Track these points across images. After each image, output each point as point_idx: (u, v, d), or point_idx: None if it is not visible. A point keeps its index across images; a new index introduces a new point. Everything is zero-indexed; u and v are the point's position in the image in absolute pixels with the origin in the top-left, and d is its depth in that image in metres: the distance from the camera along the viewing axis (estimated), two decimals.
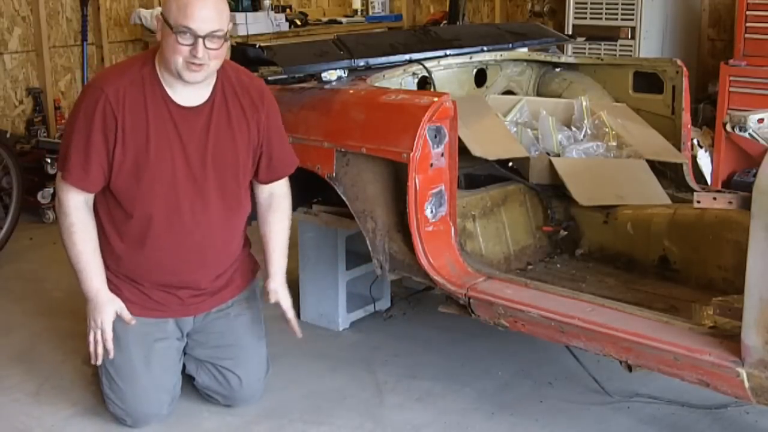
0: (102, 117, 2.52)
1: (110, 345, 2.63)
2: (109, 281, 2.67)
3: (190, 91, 2.60)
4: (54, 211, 4.79)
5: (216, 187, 2.67)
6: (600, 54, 5.29)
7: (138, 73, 2.58)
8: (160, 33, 2.53)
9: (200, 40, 2.46)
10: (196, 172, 2.62)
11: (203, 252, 2.70)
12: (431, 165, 2.73)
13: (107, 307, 2.63)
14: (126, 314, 2.65)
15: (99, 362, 2.65)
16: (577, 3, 5.60)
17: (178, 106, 2.60)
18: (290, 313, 2.85)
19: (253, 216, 2.88)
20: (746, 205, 2.18)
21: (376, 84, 3.10)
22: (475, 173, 3.38)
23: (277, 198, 2.86)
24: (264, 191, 2.85)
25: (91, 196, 2.62)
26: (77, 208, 2.60)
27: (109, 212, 2.65)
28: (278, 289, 2.84)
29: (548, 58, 3.82)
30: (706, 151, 4.63)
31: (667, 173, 3.44)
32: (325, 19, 6.90)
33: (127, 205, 2.61)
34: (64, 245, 2.64)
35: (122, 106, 2.53)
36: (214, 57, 2.51)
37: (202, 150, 2.62)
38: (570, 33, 5.24)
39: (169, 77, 2.57)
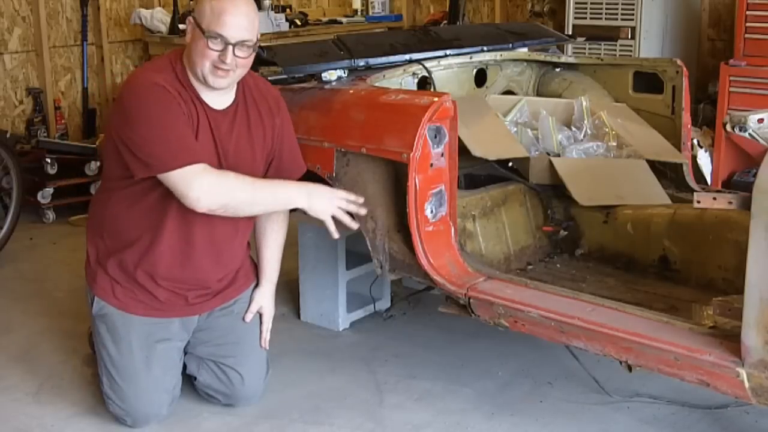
0: (175, 104, 2.50)
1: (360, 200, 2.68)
2: (119, 283, 2.69)
3: (216, 95, 2.63)
4: (53, 211, 4.82)
5: None
6: (600, 54, 5.28)
7: (172, 72, 2.58)
8: (191, 35, 2.54)
9: (230, 47, 2.51)
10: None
11: (220, 249, 2.72)
12: (431, 165, 2.73)
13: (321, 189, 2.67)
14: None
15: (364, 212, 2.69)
16: (577, 3, 5.59)
17: (210, 107, 2.62)
18: (266, 325, 2.89)
19: None
20: (746, 205, 2.18)
21: (376, 84, 3.10)
22: (475, 173, 3.38)
23: None
24: None
25: None
26: (205, 171, 2.48)
27: (135, 205, 2.63)
28: (263, 300, 2.89)
29: (548, 58, 3.82)
30: (706, 151, 4.63)
31: (667, 173, 3.44)
32: (325, 19, 6.89)
33: (163, 197, 2.57)
34: (248, 202, 2.55)
35: (181, 100, 2.54)
36: (241, 65, 2.56)
37: (225, 152, 2.65)
38: (570, 33, 5.23)
39: (195, 80, 2.59)
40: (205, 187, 2.47)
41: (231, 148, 2.66)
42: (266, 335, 2.89)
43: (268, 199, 2.62)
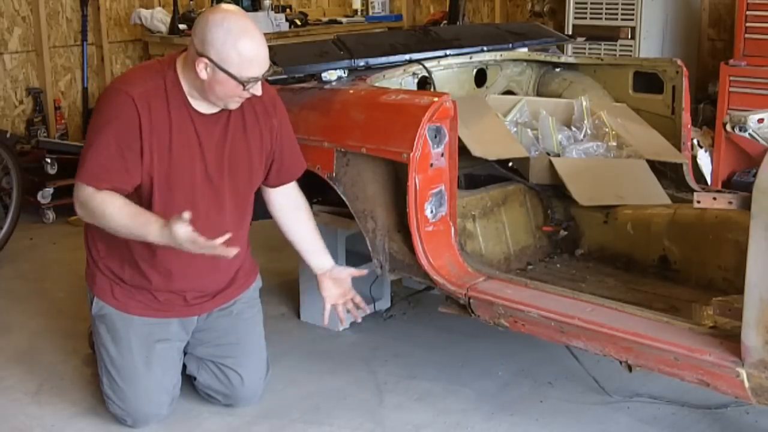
0: (128, 119, 2.51)
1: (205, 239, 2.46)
2: (118, 284, 2.69)
3: (209, 103, 2.62)
4: (53, 211, 4.82)
5: (230, 193, 2.68)
6: (600, 54, 5.29)
7: (161, 79, 2.57)
8: (210, 77, 2.49)
9: (260, 80, 2.52)
10: (214, 177, 2.64)
11: (216, 257, 2.70)
12: (431, 165, 2.73)
13: (179, 229, 2.42)
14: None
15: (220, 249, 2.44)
16: (577, 3, 5.59)
17: (198, 113, 2.61)
18: (351, 270, 2.90)
19: (254, 217, 2.88)
20: (746, 205, 2.18)
21: (376, 84, 3.10)
22: (475, 173, 3.38)
23: (294, 198, 2.88)
24: (279, 194, 2.86)
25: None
26: (93, 195, 2.51)
27: None
28: (332, 269, 2.87)
29: (548, 58, 3.82)
30: (706, 151, 4.63)
31: (667, 173, 3.44)
32: (325, 19, 6.90)
33: (147, 209, 2.58)
34: (104, 227, 2.54)
35: (148, 110, 2.52)
36: None
37: (219, 156, 2.64)
38: (570, 33, 5.23)
39: (192, 91, 2.58)
40: (82, 208, 2.54)
41: (226, 152, 2.65)
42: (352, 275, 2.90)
43: (125, 234, 2.53)
